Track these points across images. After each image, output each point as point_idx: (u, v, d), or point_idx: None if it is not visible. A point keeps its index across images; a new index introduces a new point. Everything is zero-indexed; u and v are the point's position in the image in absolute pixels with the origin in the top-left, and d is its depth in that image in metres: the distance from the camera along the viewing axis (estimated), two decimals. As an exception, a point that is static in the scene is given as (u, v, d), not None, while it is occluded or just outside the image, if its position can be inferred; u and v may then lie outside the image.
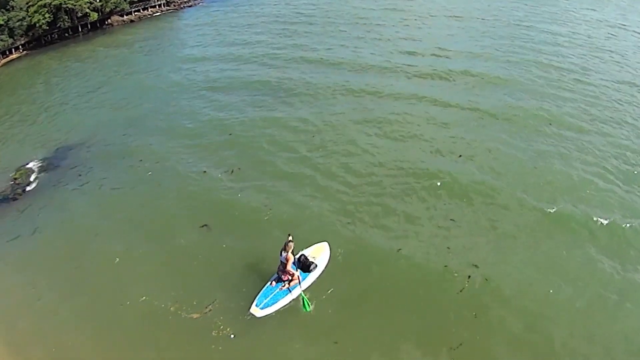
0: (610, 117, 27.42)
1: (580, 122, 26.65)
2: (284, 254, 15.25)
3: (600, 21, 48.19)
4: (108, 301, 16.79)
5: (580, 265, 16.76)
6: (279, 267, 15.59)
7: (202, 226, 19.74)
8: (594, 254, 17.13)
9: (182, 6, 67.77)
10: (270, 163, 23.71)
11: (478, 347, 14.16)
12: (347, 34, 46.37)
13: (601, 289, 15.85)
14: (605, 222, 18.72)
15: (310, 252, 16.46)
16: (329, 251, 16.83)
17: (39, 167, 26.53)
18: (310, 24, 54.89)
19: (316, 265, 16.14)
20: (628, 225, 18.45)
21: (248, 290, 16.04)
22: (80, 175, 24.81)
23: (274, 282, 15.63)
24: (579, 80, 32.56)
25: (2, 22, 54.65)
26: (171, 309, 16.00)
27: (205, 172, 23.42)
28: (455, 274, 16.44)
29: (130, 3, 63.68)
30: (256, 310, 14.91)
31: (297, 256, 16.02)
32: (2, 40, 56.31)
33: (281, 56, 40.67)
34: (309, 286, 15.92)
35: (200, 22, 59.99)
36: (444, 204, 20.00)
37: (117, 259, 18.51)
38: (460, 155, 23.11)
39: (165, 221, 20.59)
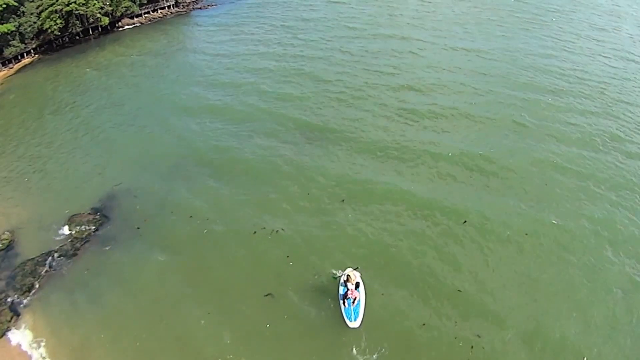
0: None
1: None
2: (349, 285, 20.23)
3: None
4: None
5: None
6: (346, 292, 20.19)
7: (267, 295, 21.19)
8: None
9: (191, 8, 67.04)
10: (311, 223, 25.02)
11: None
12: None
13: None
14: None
15: (352, 275, 20.97)
16: (357, 272, 21.50)
17: (92, 218, 26.76)
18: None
19: (359, 283, 20.99)
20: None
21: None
22: (140, 233, 25.40)
23: (345, 303, 20.13)
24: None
25: (13, 29, 53.98)
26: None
27: (255, 232, 24.47)
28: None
29: (140, 5, 62.72)
30: (353, 324, 19.60)
31: (344, 280, 20.85)
32: (14, 46, 55.64)
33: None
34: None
35: (208, 43, 57.85)
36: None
37: (203, 321, 20.20)
38: None
39: (229, 286, 21.85)
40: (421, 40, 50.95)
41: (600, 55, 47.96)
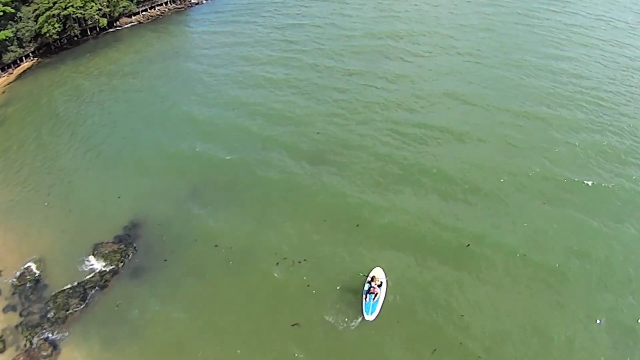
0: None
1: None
2: (373, 283, 22.71)
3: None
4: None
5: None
6: (369, 288, 22.62)
7: (294, 325, 22.14)
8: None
9: (188, 4, 64.89)
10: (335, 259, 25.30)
11: None
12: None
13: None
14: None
15: (376, 274, 23.62)
16: (383, 272, 23.95)
17: (118, 248, 27.13)
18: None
19: (382, 283, 23.28)
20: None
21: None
22: (167, 265, 25.84)
23: (366, 298, 22.54)
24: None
25: (11, 35, 52.50)
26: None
27: (277, 263, 25.09)
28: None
29: (138, 3, 60.88)
30: (369, 317, 21.99)
31: (370, 278, 23.16)
32: (12, 51, 54.25)
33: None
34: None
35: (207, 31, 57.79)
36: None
37: (239, 351, 21.27)
38: None
39: (258, 318, 22.67)
40: (423, 54, 48.09)
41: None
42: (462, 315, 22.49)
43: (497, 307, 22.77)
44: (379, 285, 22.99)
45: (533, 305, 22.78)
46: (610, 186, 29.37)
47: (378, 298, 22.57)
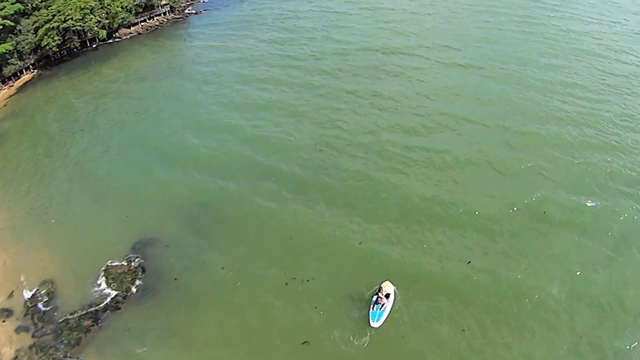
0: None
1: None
2: (380, 294, 24.16)
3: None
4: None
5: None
6: (377, 299, 23.99)
7: (304, 343, 22.81)
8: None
9: (187, 14, 65.24)
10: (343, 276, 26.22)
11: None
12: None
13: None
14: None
15: (384, 287, 24.87)
16: (392, 285, 25.19)
17: (128, 270, 27.64)
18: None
19: (390, 294, 24.64)
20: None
21: None
22: (177, 284, 26.51)
23: (374, 307, 23.91)
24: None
25: (11, 48, 52.75)
26: None
27: (286, 284, 25.79)
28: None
29: (136, 14, 61.19)
30: (375, 324, 23.35)
31: (377, 290, 24.63)
32: (12, 64, 54.49)
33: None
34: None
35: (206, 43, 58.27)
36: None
37: None
38: None
39: (268, 336, 23.48)
40: (421, 67, 48.39)
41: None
42: (464, 330, 23.37)
43: (492, 328, 23.50)
44: (387, 296, 24.32)
45: (529, 330, 23.42)
46: (610, 207, 29.77)
47: (385, 307, 23.87)
